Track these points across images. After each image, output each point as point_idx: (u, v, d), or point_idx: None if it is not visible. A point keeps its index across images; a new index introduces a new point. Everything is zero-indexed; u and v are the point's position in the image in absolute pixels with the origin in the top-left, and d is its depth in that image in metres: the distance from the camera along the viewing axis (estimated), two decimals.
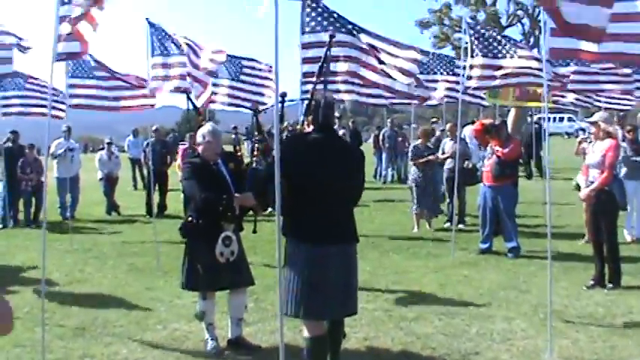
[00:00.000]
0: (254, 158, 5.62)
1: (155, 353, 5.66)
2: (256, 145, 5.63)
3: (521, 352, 5.53)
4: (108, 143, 15.69)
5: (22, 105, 10.96)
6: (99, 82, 10.83)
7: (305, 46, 6.64)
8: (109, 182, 15.25)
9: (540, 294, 7.30)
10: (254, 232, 5.83)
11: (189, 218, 5.59)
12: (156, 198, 13.51)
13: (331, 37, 6.06)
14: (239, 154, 6.42)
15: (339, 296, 4.51)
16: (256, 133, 5.84)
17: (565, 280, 7.86)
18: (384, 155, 20.95)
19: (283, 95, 5.78)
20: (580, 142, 10.28)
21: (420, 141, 12.11)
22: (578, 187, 9.36)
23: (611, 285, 7.51)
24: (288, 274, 4.49)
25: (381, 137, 21.00)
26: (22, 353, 5.76)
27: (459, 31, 34.21)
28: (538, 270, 8.43)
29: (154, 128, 14.54)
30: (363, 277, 6.68)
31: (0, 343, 5.93)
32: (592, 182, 7.52)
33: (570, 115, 43.51)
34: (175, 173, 14.31)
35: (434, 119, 21.55)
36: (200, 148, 5.71)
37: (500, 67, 9.37)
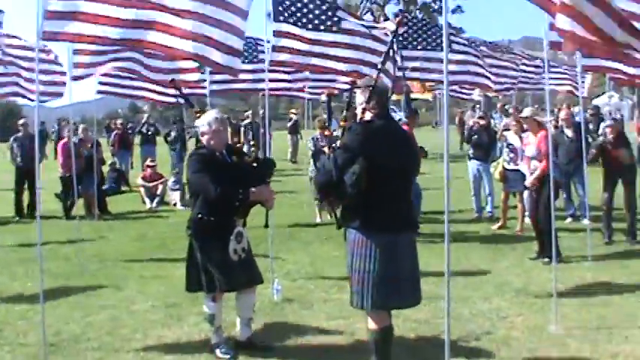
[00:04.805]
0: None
1: None
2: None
3: (527, 327, 5.76)
4: None
5: None
6: None
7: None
8: None
9: (490, 273, 7.69)
10: (266, 226, 5.51)
11: (199, 215, 5.16)
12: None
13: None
14: (239, 145, 6.01)
15: (410, 285, 4.42)
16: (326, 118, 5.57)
17: (505, 259, 8.35)
18: None
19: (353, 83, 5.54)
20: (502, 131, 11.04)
21: (318, 132, 11.90)
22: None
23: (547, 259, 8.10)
24: (358, 267, 4.32)
25: None
26: None
27: None
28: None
29: (21, 122, 13.21)
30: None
31: None
32: (534, 171, 8.30)
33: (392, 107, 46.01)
34: (49, 170, 13.10)
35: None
36: (205, 138, 5.25)
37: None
